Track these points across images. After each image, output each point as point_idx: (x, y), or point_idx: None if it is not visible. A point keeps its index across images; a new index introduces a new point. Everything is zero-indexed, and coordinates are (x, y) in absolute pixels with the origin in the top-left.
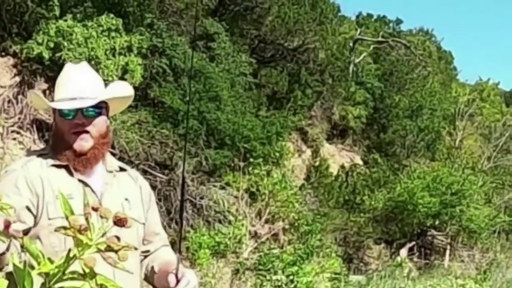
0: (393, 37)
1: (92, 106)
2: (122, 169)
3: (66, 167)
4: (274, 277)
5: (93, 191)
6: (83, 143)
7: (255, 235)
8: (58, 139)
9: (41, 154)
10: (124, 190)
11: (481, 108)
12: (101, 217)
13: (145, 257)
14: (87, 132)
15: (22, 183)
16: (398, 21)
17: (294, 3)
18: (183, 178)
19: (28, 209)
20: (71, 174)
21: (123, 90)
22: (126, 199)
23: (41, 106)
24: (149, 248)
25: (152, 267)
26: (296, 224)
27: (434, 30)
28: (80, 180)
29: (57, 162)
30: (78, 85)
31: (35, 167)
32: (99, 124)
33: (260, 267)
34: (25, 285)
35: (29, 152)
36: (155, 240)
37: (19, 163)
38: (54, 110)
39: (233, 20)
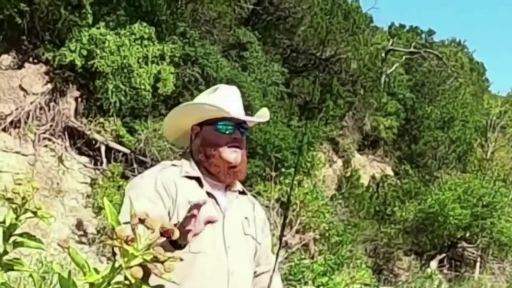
0: (425, 48)
1: (245, 126)
2: (242, 192)
3: (196, 179)
4: None
5: (218, 203)
6: (237, 156)
7: (285, 245)
8: (210, 153)
9: (174, 164)
10: (243, 210)
11: None
12: (147, 228)
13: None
14: (239, 147)
15: (161, 187)
16: (431, 32)
17: (326, 13)
18: (288, 198)
19: (168, 213)
20: (201, 186)
21: (266, 116)
22: (246, 218)
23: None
24: (256, 270)
25: None
26: (326, 234)
27: (466, 42)
28: (208, 193)
29: (189, 174)
30: (239, 105)
31: (170, 174)
32: (245, 143)
33: (290, 277)
34: None
35: (163, 163)
36: (262, 263)
37: (155, 169)
38: (200, 127)
39: (266, 29)
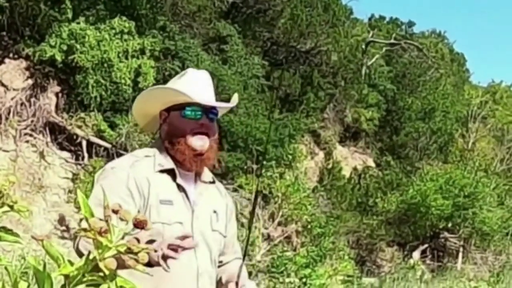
0: (406, 39)
1: (214, 112)
2: (212, 181)
3: (169, 172)
4: (287, 280)
5: (188, 198)
6: (203, 143)
7: (268, 238)
8: (175, 139)
9: (147, 155)
10: (212, 202)
11: (494, 111)
12: (121, 219)
13: (218, 267)
14: (206, 134)
15: (133, 185)
16: (411, 23)
17: (306, 6)
18: (258, 185)
19: (139, 212)
20: (174, 178)
21: (234, 100)
22: (215, 212)
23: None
24: (222, 259)
25: (220, 278)
26: (309, 226)
27: (446, 32)
28: (179, 186)
29: (163, 167)
30: (209, 90)
31: (143, 169)
32: (215, 129)
33: (273, 269)
34: (45, 287)
35: (135, 153)
36: (228, 252)
37: (126, 161)
38: (168, 112)
39: (246, 22)
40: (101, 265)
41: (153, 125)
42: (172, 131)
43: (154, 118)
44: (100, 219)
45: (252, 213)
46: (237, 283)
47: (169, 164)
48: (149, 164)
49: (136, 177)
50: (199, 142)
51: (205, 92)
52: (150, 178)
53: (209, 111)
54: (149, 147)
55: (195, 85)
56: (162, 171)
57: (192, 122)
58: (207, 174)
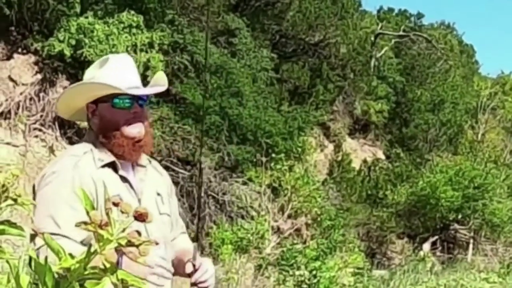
0: (415, 31)
1: (143, 98)
2: (148, 163)
3: (110, 165)
4: (297, 273)
5: (132, 188)
6: (140, 129)
7: (277, 231)
8: (110, 133)
9: (85, 152)
10: (154, 185)
11: (504, 102)
12: (122, 212)
13: None
14: (141, 121)
15: (79, 189)
16: (419, 15)
17: None
18: (200, 163)
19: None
20: (115, 171)
21: (164, 83)
22: (158, 194)
23: (84, 99)
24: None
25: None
26: (318, 219)
27: (455, 24)
28: (122, 177)
29: (104, 162)
30: (134, 76)
31: (86, 168)
32: (147, 114)
33: (283, 262)
34: (46, 280)
35: (73, 152)
36: (174, 228)
37: (68, 162)
38: (96, 104)
39: (254, 15)
40: (101, 258)
41: (80, 115)
42: (104, 124)
43: (80, 110)
44: (48, 233)
45: (198, 207)
46: (194, 265)
47: (109, 157)
48: (90, 161)
49: (82, 178)
50: (135, 130)
51: (130, 80)
52: (94, 176)
53: (138, 97)
54: (82, 141)
55: (119, 74)
56: (103, 166)
57: (123, 112)
58: (142, 157)
